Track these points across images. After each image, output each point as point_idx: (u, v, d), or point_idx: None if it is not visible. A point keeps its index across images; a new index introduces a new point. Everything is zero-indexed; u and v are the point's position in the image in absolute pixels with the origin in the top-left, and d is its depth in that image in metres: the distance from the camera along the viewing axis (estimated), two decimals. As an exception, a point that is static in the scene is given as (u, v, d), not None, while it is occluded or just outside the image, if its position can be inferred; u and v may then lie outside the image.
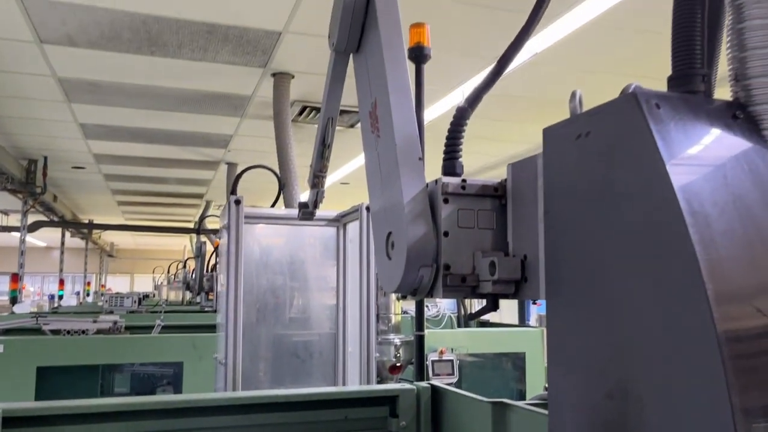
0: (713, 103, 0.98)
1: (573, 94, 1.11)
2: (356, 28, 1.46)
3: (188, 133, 6.77)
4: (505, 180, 1.23)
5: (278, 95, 4.83)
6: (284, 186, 4.33)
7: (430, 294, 1.14)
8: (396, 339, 4.45)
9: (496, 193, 1.18)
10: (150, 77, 5.02)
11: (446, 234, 1.13)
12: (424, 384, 1.56)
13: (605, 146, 0.99)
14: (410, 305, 6.02)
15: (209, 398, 1.41)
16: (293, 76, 4.85)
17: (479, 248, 1.15)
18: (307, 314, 2.65)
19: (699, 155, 0.91)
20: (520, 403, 1.32)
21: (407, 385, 1.56)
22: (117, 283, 23.20)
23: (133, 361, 3.85)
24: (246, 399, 1.43)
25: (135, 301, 7.07)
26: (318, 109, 5.62)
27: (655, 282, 0.85)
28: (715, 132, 0.95)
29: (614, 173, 0.96)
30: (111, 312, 6.33)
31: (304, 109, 5.59)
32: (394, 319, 4.67)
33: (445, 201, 1.15)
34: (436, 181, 1.18)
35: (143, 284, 22.00)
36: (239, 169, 4.21)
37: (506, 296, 1.13)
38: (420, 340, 1.68)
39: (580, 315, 1.00)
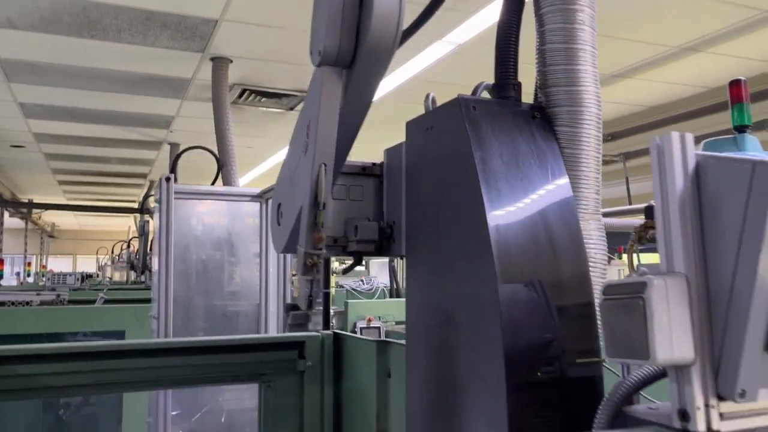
0: (520, 106, 1.31)
1: (427, 96, 1.44)
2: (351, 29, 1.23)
3: (129, 113, 6.88)
4: (382, 162, 1.55)
5: (217, 79, 5.04)
6: (223, 166, 4.57)
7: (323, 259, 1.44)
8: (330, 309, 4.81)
9: (366, 172, 1.49)
10: (90, 59, 5.15)
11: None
12: (327, 332, 1.89)
13: (440, 137, 1.31)
14: (345, 280, 6.38)
15: (139, 342, 1.70)
16: (231, 61, 5.06)
17: (351, 216, 1.46)
18: (236, 283, 2.96)
19: (500, 144, 1.24)
20: (397, 341, 1.65)
21: (313, 333, 1.88)
22: (59, 265, 22.75)
23: (76, 330, 4.05)
24: (173, 344, 1.72)
25: (78, 279, 7.17)
26: (258, 93, 5.85)
27: (465, 242, 1.18)
28: (516, 128, 1.27)
29: (443, 159, 1.29)
30: (53, 290, 6.44)
31: (243, 91, 5.80)
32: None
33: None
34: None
35: (86, 265, 21.68)
36: (181, 150, 4.44)
37: (370, 253, 1.44)
38: (327, 297, 2.03)
39: (426, 267, 1.34)
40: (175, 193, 2.54)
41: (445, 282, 1.25)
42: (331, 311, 4.90)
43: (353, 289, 5.36)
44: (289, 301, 2.79)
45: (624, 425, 0.80)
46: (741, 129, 1.07)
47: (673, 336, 0.70)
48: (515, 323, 1.04)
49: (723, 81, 4.92)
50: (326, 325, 2.13)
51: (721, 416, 0.72)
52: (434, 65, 5.19)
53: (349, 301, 3.77)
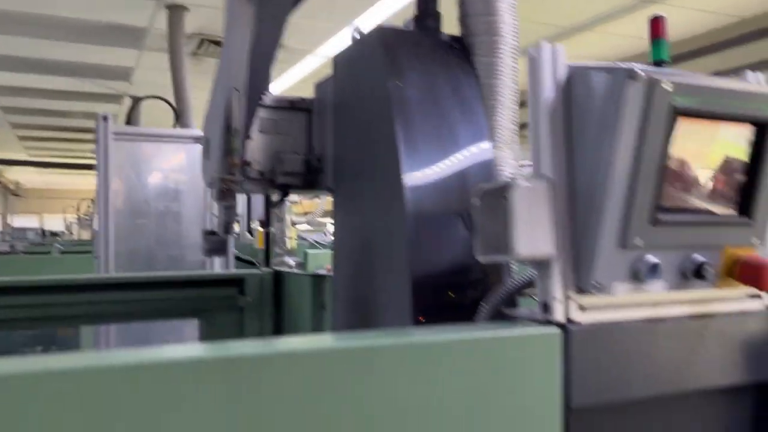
0: (440, 35, 1.33)
1: (354, 28, 1.44)
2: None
3: (88, 64, 6.72)
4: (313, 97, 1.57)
5: (173, 28, 4.94)
6: (180, 117, 4.53)
7: (239, 186, 1.46)
8: (291, 260, 4.86)
9: (295, 107, 1.51)
10: (43, 6, 5.00)
11: (249, 137, 1.46)
12: (268, 269, 1.93)
13: (361, 69, 1.33)
14: (310, 234, 6.41)
15: (76, 278, 1.72)
16: (188, 9, 4.96)
17: (280, 150, 1.48)
18: (184, 228, 2.96)
19: (416, 75, 1.25)
20: (331, 274, 1.70)
21: (254, 270, 1.91)
22: (25, 224, 22.38)
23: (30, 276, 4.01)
24: (111, 279, 1.75)
25: (39, 234, 7.10)
26: (217, 43, 5.75)
27: (381, 174, 1.20)
28: (434, 58, 1.29)
29: (364, 91, 1.31)
30: (12, 245, 6.37)
31: (202, 42, 5.70)
32: (290, 243, 5.07)
33: (251, 111, 1.46)
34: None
35: (54, 224, 21.37)
36: (135, 99, 4.37)
37: (298, 187, 1.47)
38: (267, 236, 2.06)
39: (349, 199, 1.38)
40: (114, 134, 2.51)
41: (364, 213, 1.29)
42: (292, 261, 4.96)
43: (315, 242, 5.41)
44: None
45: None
46: (658, 63, 1.12)
47: (534, 233, 0.74)
48: (423, 250, 1.07)
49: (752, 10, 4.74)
50: (267, 262, 2.17)
51: (582, 308, 0.77)
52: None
53: (308, 251, 3.80)
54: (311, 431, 0.62)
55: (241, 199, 5.24)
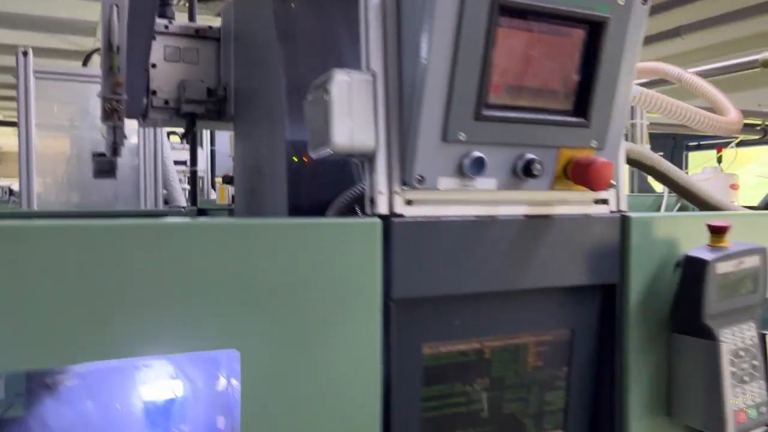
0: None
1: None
2: None
3: (52, 18, 6.58)
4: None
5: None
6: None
7: (147, 115, 1.45)
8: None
9: (200, 35, 1.49)
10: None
11: (154, 66, 1.45)
12: (193, 207, 1.94)
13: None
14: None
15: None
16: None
17: (186, 79, 1.47)
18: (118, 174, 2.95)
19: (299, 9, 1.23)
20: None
21: (179, 206, 1.92)
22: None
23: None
24: (26, 214, 1.74)
25: (6, 193, 7.04)
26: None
27: (267, 100, 1.20)
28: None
29: (257, 18, 1.29)
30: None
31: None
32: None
33: (153, 38, 1.45)
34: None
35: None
36: (91, 51, 4.29)
37: (204, 117, 1.46)
38: (194, 174, 2.06)
39: (245, 126, 1.37)
40: (36, 72, 2.46)
41: (255, 139, 1.29)
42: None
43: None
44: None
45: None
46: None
47: (354, 126, 0.75)
48: (300, 175, 1.08)
49: None
50: (194, 201, 2.18)
51: (409, 203, 0.78)
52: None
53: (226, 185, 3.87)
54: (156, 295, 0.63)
55: (204, 155, 5.21)
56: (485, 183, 0.80)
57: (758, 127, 3.27)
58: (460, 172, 0.78)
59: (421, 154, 0.75)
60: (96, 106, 2.90)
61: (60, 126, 3.03)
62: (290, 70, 1.13)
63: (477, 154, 0.77)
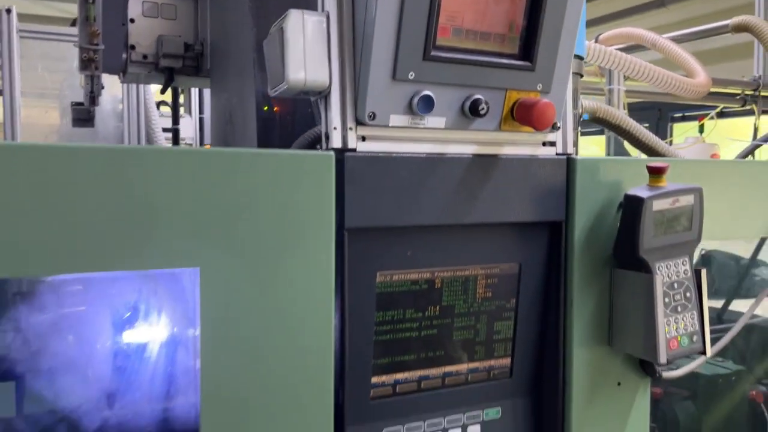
0: None
1: None
2: None
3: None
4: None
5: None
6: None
7: (126, 70, 1.49)
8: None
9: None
10: None
11: (132, 21, 1.48)
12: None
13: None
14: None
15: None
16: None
17: (165, 34, 1.50)
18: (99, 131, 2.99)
19: None
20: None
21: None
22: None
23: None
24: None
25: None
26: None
27: (238, 57, 1.23)
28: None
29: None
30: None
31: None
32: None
33: (129, -9, 1.48)
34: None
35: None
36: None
37: (182, 72, 1.49)
38: (176, 133, 2.09)
39: (219, 79, 1.41)
40: (20, 31, 2.48)
41: (229, 91, 1.34)
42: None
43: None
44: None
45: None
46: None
47: (307, 63, 0.80)
48: (269, 123, 1.12)
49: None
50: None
51: (363, 139, 0.84)
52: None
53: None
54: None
55: (192, 123, 5.22)
56: (435, 121, 0.85)
57: (737, 96, 3.33)
58: (410, 110, 0.83)
59: (373, 91, 0.81)
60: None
61: (49, 94, 3.05)
62: (260, 22, 1.17)
63: (426, 92, 0.82)
